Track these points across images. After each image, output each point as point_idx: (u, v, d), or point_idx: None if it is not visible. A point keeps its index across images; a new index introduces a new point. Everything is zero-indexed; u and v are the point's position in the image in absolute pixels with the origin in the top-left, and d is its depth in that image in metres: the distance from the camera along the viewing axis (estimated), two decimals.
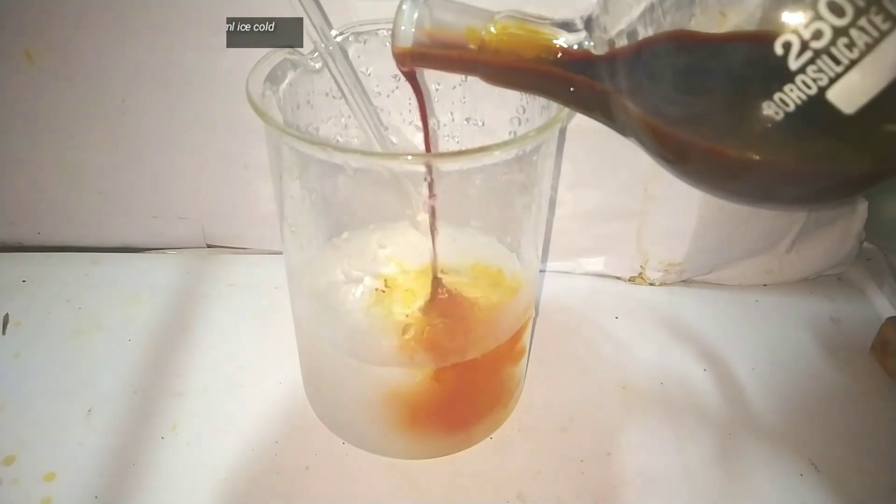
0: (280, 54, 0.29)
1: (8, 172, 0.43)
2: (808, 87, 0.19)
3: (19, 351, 0.38)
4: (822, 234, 0.44)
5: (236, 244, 0.47)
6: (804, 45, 0.18)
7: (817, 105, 0.19)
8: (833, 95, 0.18)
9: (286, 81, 0.29)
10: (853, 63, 0.18)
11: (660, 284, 0.45)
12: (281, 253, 0.32)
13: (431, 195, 0.28)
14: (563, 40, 0.24)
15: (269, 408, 0.35)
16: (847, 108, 0.19)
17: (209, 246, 0.47)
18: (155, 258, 0.46)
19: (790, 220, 0.42)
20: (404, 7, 0.25)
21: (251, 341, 0.39)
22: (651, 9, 0.21)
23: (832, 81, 0.18)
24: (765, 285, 0.45)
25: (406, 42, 0.26)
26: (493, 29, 0.25)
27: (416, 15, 0.25)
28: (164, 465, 0.32)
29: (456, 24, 0.25)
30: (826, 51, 0.18)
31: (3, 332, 0.39)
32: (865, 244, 0.47)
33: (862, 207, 0.43)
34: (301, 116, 0.31)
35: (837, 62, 0.18)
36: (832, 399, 0.37)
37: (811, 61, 0.18)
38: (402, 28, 0.25)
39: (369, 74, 0.32)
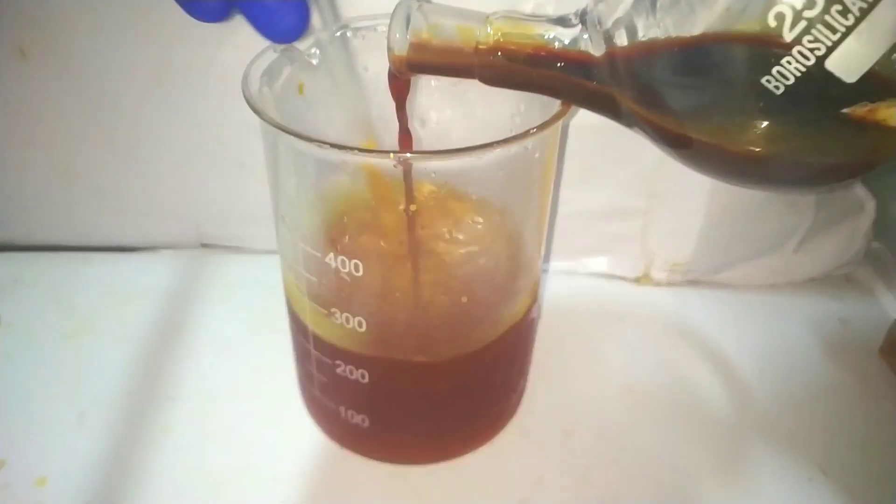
0: (276, 51, 0.29)
1: None
2: (806, 58, 0.18)
3: (10, 352, 0.38)
4: (830, 234, 0.43)
5: (231, 243, 0.46)
6: (797, 15, 0.18)
7: (817, 76, 0.18)
8: (832, 64, 0.18)
9: (283, 78, 0.29)
10: (850, 30, 0.18)
11: (665, 285, 0.44)
12: (276, 252, 0.31)
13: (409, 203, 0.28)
14: (558, 36, 0.24)
15: (264, 411, 0.35)
16: (848, 77, 0.18)
17: (203, 245, 0.46)
18: (148, 258, 0.46)
19: (797, 220, 0.42)
20: (398, 14, 0.25)
21: (246, 342, 0.39)
22: None
23: (830, 50, 0.18)
24: (772, 285, 0.44)
25: (402, 49, 0.26)
26: (488, 30, 0.25)
27: (410, 21, 0.25)
28: (157, 470, 0.32)
29: (451, 28, 0.25)
30: (820, 19, 0.18)
31: None
32: (874, 244, 0.46)
33: (870, 206, 0.43)
34: (298, 114, 0.31)
35: (833, 30, 0.18)
36: (840, 401, 0.37)
37: (806, 31, 0.18)
38: (397, 35, 0.25)
39: (367, 70, 0.32)
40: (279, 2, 0.25)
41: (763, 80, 0.19)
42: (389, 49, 0.26)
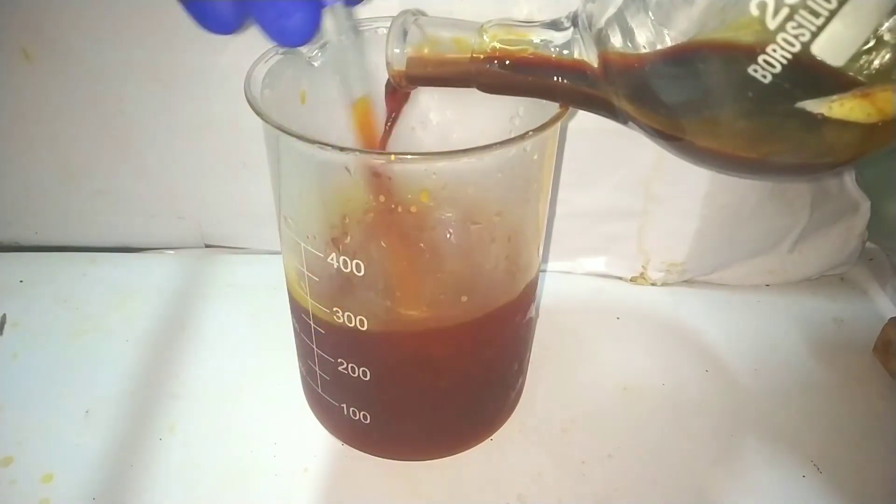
0: (279, 52, 0.29)
1: (5, 171, 0.43)
2: (791, 45, 0.18)
3: (17, 351, 0.38)
4: (825, 234, 0.44)
5: (234, 244, 0.47)
6: (779, 3, 0.18)
7: (804, 62, 0.18)
8: (818, 49, 0.18)
9: (285, 80, 0.29)
10: (833, 13, 0.17)
11: (661, 284, 0.45)
12: (279, 253, 0.31)
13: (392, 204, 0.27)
14: (551, 40, 0.24)
15: (267, 409, 0.35)
16: (835, 61, 0.18)
17: (207, 246, 0.47)
18: (153, 258, 0.46)
19: (792, 221, 0.42)
20: (395, 29, 0.26)
21: (249, 342, 0.39)
22: None
23: (815, 35, 0.18)
24: (767, 285, 0.45)
25: (400, 64, 0.26)
26: (484, 38, 0.25)
27: (406, 36, 0.25)
28: (162, 466, 0.32)
29: (447, 40, 0.25)
30: (802, 4, 0.18)
31: (1, 333, 0.39)
32: (868, 244, 0.46)
33: (864, 207, 0.43)
34: (299, 115, 0.31)
35: (816, 14, 0.18)
36: (834, 400, 0.37)
37: (789, 17, 0.18)
38: (396, 50, 0.26)
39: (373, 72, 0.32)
40: (289, 2, 0.24)
41: (750, 70, 0.19)
42: (388, 64, 0.26)
